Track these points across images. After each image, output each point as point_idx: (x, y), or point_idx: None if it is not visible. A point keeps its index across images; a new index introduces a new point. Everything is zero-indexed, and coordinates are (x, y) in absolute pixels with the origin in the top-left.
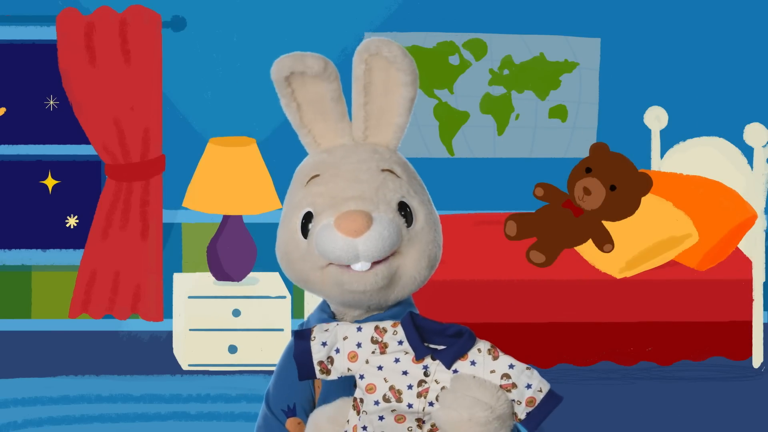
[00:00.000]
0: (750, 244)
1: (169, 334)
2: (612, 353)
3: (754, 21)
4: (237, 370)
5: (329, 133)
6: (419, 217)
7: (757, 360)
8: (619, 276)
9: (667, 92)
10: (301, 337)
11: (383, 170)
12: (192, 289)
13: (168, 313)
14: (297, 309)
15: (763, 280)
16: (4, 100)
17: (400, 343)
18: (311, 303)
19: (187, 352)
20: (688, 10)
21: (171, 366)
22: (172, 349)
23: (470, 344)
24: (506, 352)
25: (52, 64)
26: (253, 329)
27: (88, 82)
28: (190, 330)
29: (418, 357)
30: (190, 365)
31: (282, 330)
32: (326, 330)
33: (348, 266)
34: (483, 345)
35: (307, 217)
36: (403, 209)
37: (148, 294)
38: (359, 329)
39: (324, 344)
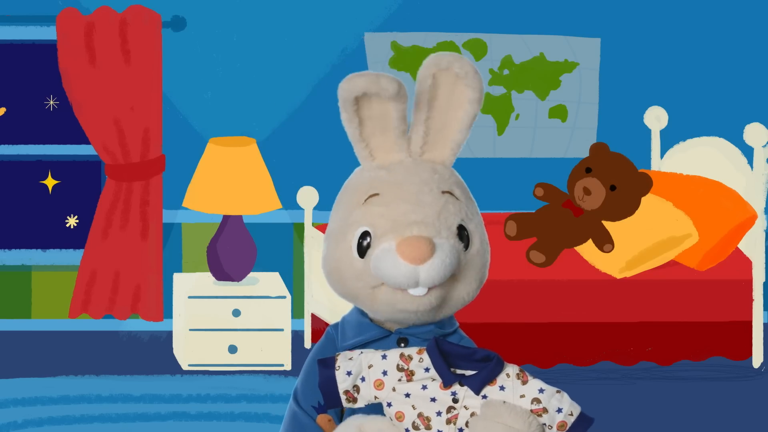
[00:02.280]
0: (750, 244)
1: (169, 334)
2: (612, 353)
3: (754, 21)
4: (237, 370)
5: (386, 147)
6: (475, 240)
7: (757, 360)
8: (619, 276)
9: (667, 92)
10: (326, 365)
11: (444, 192)
12: (192, 289)
13: (168, 313)
14: (297, 309)
15: (763, 280)
16: (4, 100)
17: (427, 370)
18: (311, 303)
19: (187, 352)
20: (688, 10)
21: (171, 366)
22: (172, 349)
23: (499, 369)
24: (506, 352)
25: (52, 64)
26: (253, 329)
27: (88, 82)
28: (190, 330)
29: (446, 384)
30: (190, 365)
31: (282, 330)
32: (350, 359)
33: (402, 290)
34: (512, 369)
35: (363, 236)
36: (461, 232)
37: (148, 294)
38: (384, 357)
39: (349, 373)
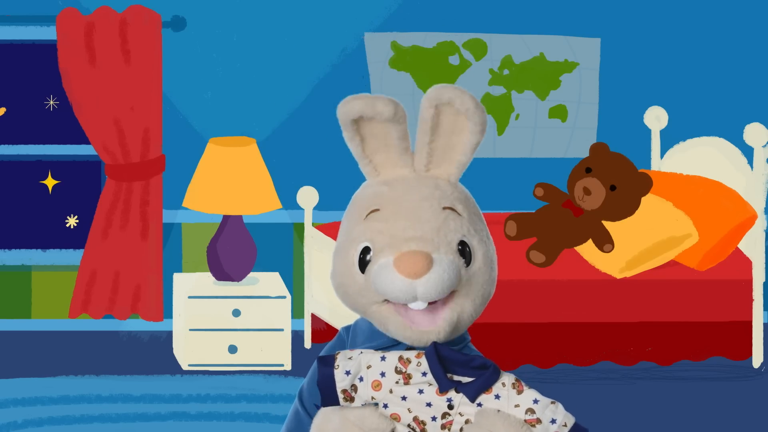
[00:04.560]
0: (750, 244)
1: (169, 334)
2: (612, 353)
3: (754, 21)
4: (237, 370)
5: (390, 163)
6: (477, 256)
7: (757, 360)
8: (619, 276)
9: (667, 92)
10: (325, 363)
11: (445, 208)
12: (192, 289)
13: (168, 313)
14: (297, 309)
15: (763, 280)
16: (4, 100)
17: (424, 374)
18: (311, 303)
19: (187, 352)
20: (688, 10)
21: (171, 366)
22: (172, 349)
23: (495, 378)
24: (506, 352)
25: (52, 64)
26: (253, 329)
27: (88, 82)
28: (190, 330)
29: (442, 390)
30: (190, 365)
31: (282, 330)
32: (350, 358)
33: (404, 305)
34: (507, 379)
35: (365, 252)
36: (463, 249)
37: (148, 294)
38: (383, 358)
39: (348, 373)
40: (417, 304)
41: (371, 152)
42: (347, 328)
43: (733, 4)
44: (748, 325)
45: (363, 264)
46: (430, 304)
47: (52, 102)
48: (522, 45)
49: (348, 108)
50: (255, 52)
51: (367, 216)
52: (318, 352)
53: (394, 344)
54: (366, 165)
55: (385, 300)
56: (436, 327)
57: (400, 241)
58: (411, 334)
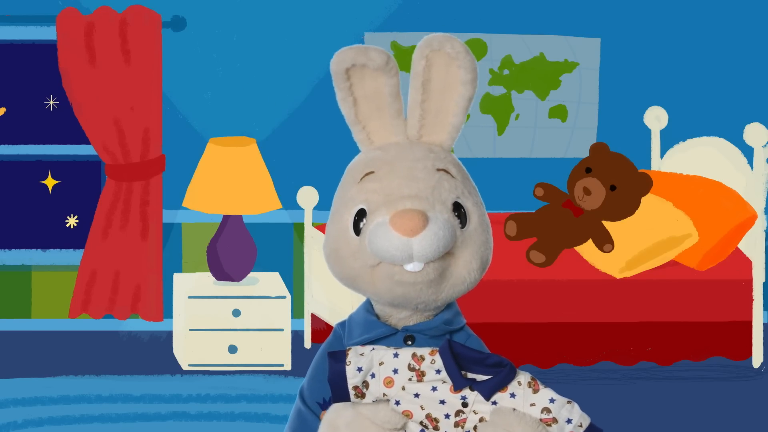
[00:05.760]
0: (750, 244)
1: (169, 334)
2: (612, 353)
3: (754, 21)
4: (237, 370)
5: (384, 131)
6: (473, 218)
7: (757, 360)
8: (619, 276)
9: (667, 92)
10: (336, 359)
11: (438, 170)
12: (192, 289)
13: (168, 313)
14: (297, 309)
15: (763, 280)
16: (4, 100)
17: (438, 372)
18: (311, 303)
19: (187, 352)
20: (688, 10)
21: (171, 366)
22: (172, 349)
23: (511, 377)
24: (506, 352)
25: (52, 64)
26: (253, 329)
27: (88, 82)
28: (190, 330)
29: (457, 388)
30: (190, 365)
31: (282, 330)
32: (362, 354)
33: (400, 266)
34: (523, 377)
35: (360, 215)
36: (458, 210)
37: (148, 294)
38: (396, 355)
39: (359, 369)
40: (413, 265)
41: (364, 117)
42: (342, 324)
43: (733, 4)
44: (748, 325)
45: (357, 228)
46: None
47: (52, 102)
48: (522, 45)
49: (340, 57)
50: (255, 52)
51: (361, 179)
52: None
53: (391, 333)
54: (359, 132)
55: (380, 263)
56: (421, 273)
57: (396, 199)
58: (400, 269)
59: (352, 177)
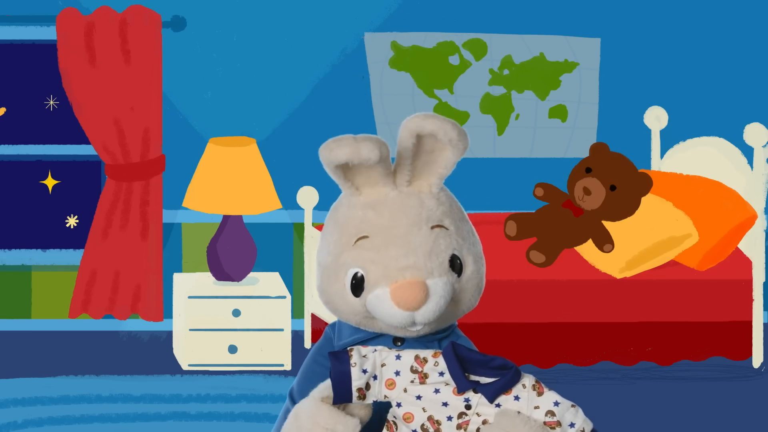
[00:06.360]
0: (750, 244)
1: (169, 334)
2: (612, 353)
3: (754, 21)
4: (237, 370)
5: (372, 183)
6: (468, 264)
7: (757, 360)
8: (619, 276)
9: (667, 92)
10: (339, 360)
11: (433, 227)
12: (192, 289)
13: (168, 313)
14: (297, 309)
15: (763, 280)
16: (4, 100)
17: (441, 374)
18: (311, 303)
19: (187, 352)
20: (688, 10)
21: (171, 366)
22: (172, 349)
23: (516, 379)
24: (506, 352)
25: (52, 64)
26: (253, 329)
27: (88, 82)
28: (190, 330)
29: (460, 390)
30: (190, 365)
31: (282, 330)
32: (364, 356)
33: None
34: (528, 380)
35: (356, 276)
36: (453, 262)
37: (148, 294)
38: (398, 357)
39: (365, 371)
40: (414, 328)
41: (352, 175)
42: (332, 326)
43: (733, 4)
44: (748, 325)
45: (354, 286)
46: None
47: (52, 102)
48: (522, 45)
49: (333, 156)
50: (255, 52)
51: (355, 243)
52: None
53: (380, 334)
54: (348, 187)
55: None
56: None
57: (394, 271)
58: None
59: (345, 237)
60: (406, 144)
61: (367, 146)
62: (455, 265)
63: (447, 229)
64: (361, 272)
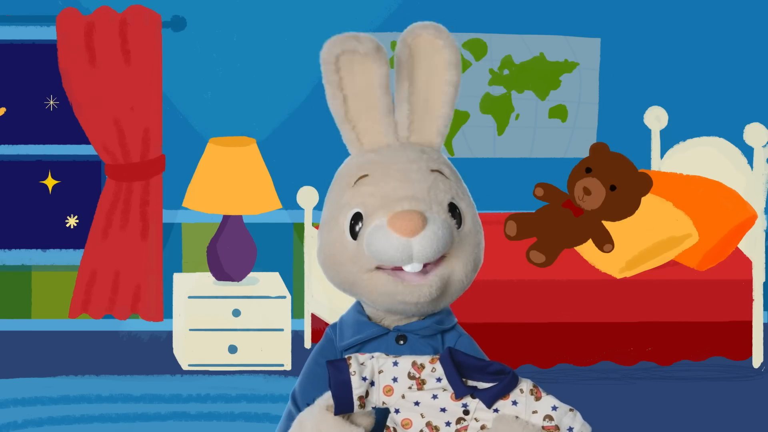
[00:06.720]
0: (750, 244)
1: (169, 334)
2: (612, 353)
3: (754, 21)
4: (237, 370)
5: (374, 131)
6: (467, 219)
7: (757, 360)
8: (619, 276)
9: (667, 92)
10: (338, 369)
11: (432, 171)
12: (192, 289)
13: (168, 313)
14: (297, 309)
15: (763, 280)
16: (4, 100)
17: (439, 380)
18: (311, 303)
19: (187, 352)
20: (688, 10)
21: (171, 366)
22: (172, 349)
23: (513, 384)
24: (506, 352)
25: (52, 64)
26: (253, 329)
27: (88, 82)
28: (190, 330)
29: (458, 395)
30: (190, 365)
31: (282, 330)
32: (362, 363)
33: (398, 269)
34: (525, 385)
35: (356, 218)
36: (453, 211)
37: (148, 294)
38: (395, 363)
39: (364, 379)
40: (412, 266)
41: (354, 116)
42: (333, 327)
43: (733, 4)
44: (748, 325)
45: (353, 231)
46: (424, 266)
47: (52, 102)
48: (522, 45)
49: (331, 43)
50: (255, 52)
51: (355, 183)
52: None
53: (383, 333)
54: (349, 132)
55: (377, 267)
56: (428, 281)
57: (393, 201)
58: (403, 289)
59: (345, 181)
60: (402, 55)
61: (365, 36)
62: (454, 213)
63: (447, 177)
64: (359, 210)
